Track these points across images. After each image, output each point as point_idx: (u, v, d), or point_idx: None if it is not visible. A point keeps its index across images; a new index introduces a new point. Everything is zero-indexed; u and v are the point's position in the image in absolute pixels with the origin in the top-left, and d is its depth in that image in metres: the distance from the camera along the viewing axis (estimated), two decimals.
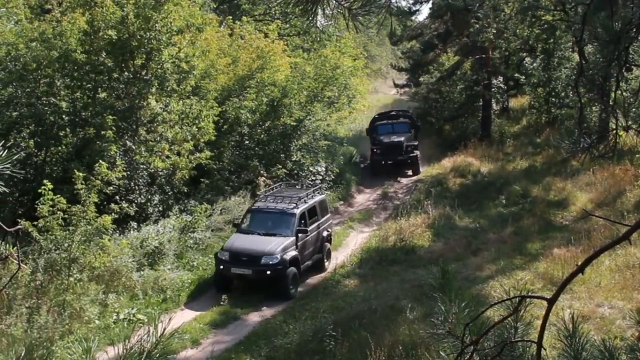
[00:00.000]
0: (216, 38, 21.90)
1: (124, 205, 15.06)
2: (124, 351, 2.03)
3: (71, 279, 12.85)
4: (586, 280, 13.11)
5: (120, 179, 14.96)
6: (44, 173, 15.86)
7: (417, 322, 11.69)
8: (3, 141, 2.18)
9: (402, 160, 26.74)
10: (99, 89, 17.53)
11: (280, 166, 21.32)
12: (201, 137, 18.59)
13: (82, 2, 17.33)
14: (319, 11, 2.17)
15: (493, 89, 31.16)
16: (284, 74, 22.53)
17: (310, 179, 22.57)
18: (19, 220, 12.59)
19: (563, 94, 28.84)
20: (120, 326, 12.85)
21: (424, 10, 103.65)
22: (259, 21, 29.57)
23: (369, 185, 26.00)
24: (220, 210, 18.49)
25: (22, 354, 2.08)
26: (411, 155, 26.95)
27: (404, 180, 26.24)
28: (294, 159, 22.52)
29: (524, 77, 31.39)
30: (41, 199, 12.95)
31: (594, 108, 22.93)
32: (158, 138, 17.62)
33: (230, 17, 26.33)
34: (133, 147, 17.02)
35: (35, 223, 12.77)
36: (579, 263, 2.26)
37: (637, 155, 20.86)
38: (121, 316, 13.23)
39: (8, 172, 1.90)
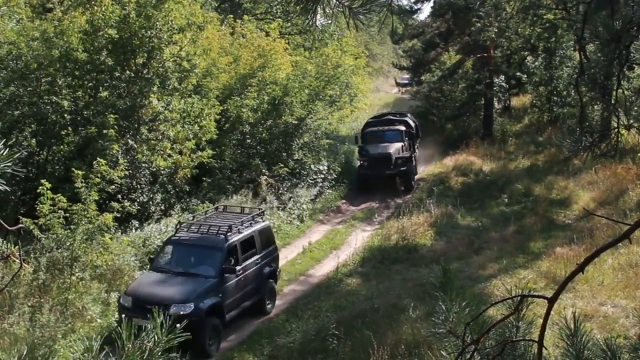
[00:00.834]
0: (217, 37, 21.91)
1: (126, 204, 15.07)
2: (126, 350, 2.03)
3: (73, 277, 12.86)
4: (589, 279, 13.10)
5: (122, 178, 14.97)
6: (46, 172, 15.87)
7: (420, 321, 11.68)
8: (5, 140, 2.18)
9: (391, 174, 23.30)
10: (101, 87, 17.53)
11: (282, 165, 21.33)
12: (203, 136, 18.60)
13: (83, 1, 17.33)
14: (319, 10, 2.17)
15: (495, 88, 31.15)
16: (285, 73, 22.53)
17: (311, 177, 22.59)
18: (21, 219, 12.60)
19: (565, 92, 28.84)
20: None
21: (426, 9, 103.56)
22: (261, 20, 29.61)
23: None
24: None
25: (25, 353, 2.08)
26: (402, 169, 23.48)
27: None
28: (295, 158, 22.53)
29: (525, 76, 31.40)
30: (41, 198, 12.96)
31: (595, 107, 22.92)
32: (160, 137, 17.63)
33: (232, 16, 26.33)
34: (135, 146, 17.03)
35: (36, 221, 12.79)
36: (580, 262, 2.26)
37: (639, 154, 20.84)
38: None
39: (10, 170, 1.90)
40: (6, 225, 2.11)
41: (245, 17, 25.21)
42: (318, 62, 24.80)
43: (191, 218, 14.76)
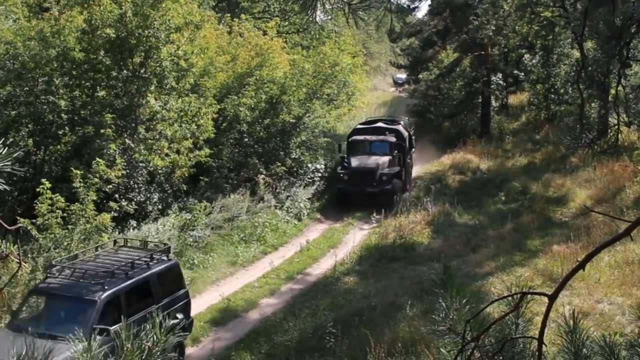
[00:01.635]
0: (215, 36, 21.89)
1: (124, 203, 15.03)
2: (125, 349, 2.02)
3: None
4: (585, 276, 13.10)
5: (119, 178, 14.95)
6: (43, 172, 15.84)
7: (417, 319, 11.69)
8: (2, 139, 2.17)
9: (373, 193, 20.71)
10: (98, 87, 17.50)
11: (279, 163, 21.32)
12: (200, 135, 18.58)
13: (80, 1, 17.30)
14: (318, 6, 2.16)
15: (492, 86, 31.20)
16: (282, 71, 22.52)
17: (309, 176, 22.58)
18: (19, 219, 12.58)
19: (562, 90, 28.88)
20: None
21: (423, 7, 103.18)
22: (258, 19, 29.60)
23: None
24: (220, 208, 18.48)
25: (23, 354, 2.07)
26: (386, 187, 20.97)
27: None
28: (293, 156, 22.52)
29: (523, 74, 31.44)
30: (39, 197, 12.94)
31: (593, 104, 22.96)
32: (157, 136, 17.61)
33: (229, 15, 26.31)
34: (132, 145, 17.00)
35: (34, 221, 12.77)
36: (580, 259, 2.26)
37: (636, 152, 20.89)
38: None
39: (8, 169, 1.89)
40: (5, 225, 2.11)
41: (243, 15, 25.21)
42: (315, 61, 24.80)
43: (65, 260, 11.28)
